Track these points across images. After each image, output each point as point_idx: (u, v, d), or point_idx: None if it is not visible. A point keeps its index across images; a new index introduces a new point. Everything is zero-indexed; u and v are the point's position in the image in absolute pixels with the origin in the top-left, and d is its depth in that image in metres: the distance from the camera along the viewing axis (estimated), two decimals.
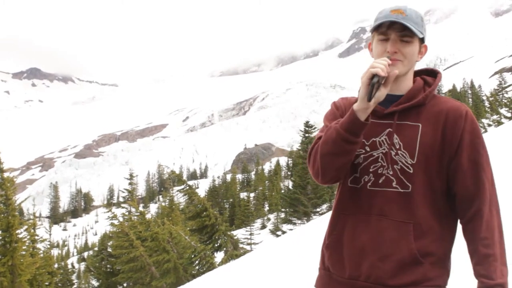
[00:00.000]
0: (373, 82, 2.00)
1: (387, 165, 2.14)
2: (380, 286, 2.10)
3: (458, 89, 79.49)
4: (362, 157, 2.21)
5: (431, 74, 2.35)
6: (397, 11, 2.13)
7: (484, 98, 62.87)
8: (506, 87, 71.76)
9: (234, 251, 18.12)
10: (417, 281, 2.08)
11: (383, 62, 2.02)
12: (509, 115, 34.16)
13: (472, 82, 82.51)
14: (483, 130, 35.32)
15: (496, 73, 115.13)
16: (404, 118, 2.17)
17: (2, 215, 13.83)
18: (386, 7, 2.22)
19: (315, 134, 29.33)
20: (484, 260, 2.04)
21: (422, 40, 2.20)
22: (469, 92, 77.58)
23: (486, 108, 52.91)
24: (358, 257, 2.15)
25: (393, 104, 2.20)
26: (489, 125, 37.76)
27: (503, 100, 43.61)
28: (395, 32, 2.14)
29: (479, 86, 79.79)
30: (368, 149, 2.20)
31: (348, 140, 2.07)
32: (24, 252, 14.30)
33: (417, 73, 2.35)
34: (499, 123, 33.57)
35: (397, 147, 2.14)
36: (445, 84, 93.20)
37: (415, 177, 2.11)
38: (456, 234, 2.22)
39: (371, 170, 2.18)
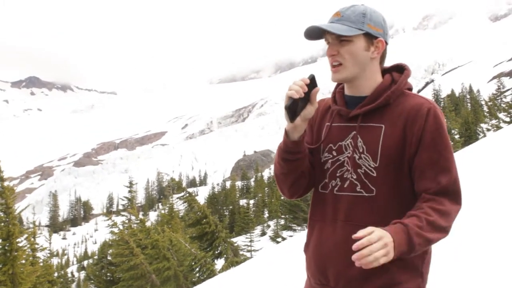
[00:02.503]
0: (286, 105, 2.01)
1: (351, 170, 2.13)
2: None
3: (457, 94, 79.46)
4: (330, 162, 2.21)
5: (401, 70, 2.28)
6: (335, 14, 2.14)
7: (483, 103, 62.96)
8: (505, 91, 71.88)
9: (235, 258, 18.12)
10: (385, 286, 2.05)
11: (299, 83, 2.02)
12: (507, 119, 34.25)
13: (470, 87, 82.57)
14: (481, 135, 35.38)
15: (494, 77, 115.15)
16: (369, 120, 2.13)
17: (3, 224, 13.82)
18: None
19: None
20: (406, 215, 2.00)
21: (372, 36, 2.13)
22: (468, 97, 77.62)
23: (485, 113, 53.01)
24: (324, 263, 2.15)
25: (358, 106, 2.17)
26: (488, 130, 37.86)
27: (502, 105, 43.76)
28: (330, 35, 2.12)
29: (478, 91, 79.82)
30: (335, 154, 2.20)
31: (287, 159, 2.12)
32: (24, 261, 14.29)
33: (388, 70, 2.29)
34: (497, 127, 33.64)
35: (361, 150, 2.11)
36: (444, 89, 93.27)
37: (379, 180, 2.07)
38: None
39: (337, 174, 2.17)
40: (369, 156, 2.09)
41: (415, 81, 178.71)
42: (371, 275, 2.03)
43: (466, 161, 13.05)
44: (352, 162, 2.13)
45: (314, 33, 2.14)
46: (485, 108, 57.26)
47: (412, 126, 2.06)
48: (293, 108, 2.02)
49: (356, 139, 2.13)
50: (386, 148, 2.07)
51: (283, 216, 38.43)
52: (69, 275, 47.11)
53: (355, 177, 2.12)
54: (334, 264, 2.11)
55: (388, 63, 2.27)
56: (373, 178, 2.08)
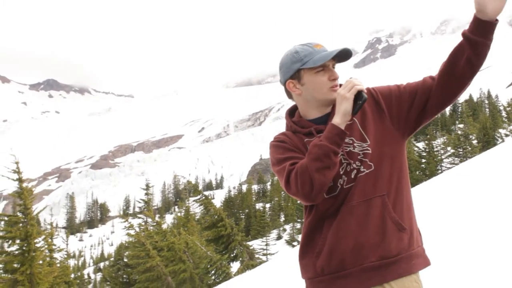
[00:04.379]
0: (365, 98, 2.26)
1: (351, 161, 2.35)
2: (384, 261, 2.27)
3: (475, 99, 78.97)
4: None
5: None
6: (320, 45, 2.47)
7: (501, 108, 62.43)
8: None
9: (250, 261, 18.12)
10: (408, 245, 2.33)
11: (360, 81, 2.32)
12: None
13: (489, 92, 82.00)
14: (500, 141, 35.09)
15: None
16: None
17: (21, 225, 13.96)
18: (305, 46, 2.48)
19: None
20: None
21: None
22: (486, 102, 77.09)
23: (503, 118, 52.58)
24: (355, 244, 2.29)
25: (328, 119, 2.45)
26: (506, 135, 37.54)
27: None
28: (334, 61, 2.45)
29: (496, 96, 79.19)
30: None
31: (336, 152, 2.26)
32: (42, 262, 14.43)
33: None
34: None
35: (351, 142, 2.37)
36: (462, 94, 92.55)
37: (375, 153, 2.36)
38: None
39: (341, 172, 2.35)
40: (360, 141, 2.37)
41: None
42: (394, 238, 2.29)
43: (483, 166, 12.97)
44: (349, 155, 2.36)
45: (343, 55, 2.44)
46: (504, 114, 56.85)
47: (373, 102, 2.45)
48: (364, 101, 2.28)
49: None
50: (367, 127, 2.39)
51: (299, 220, 38.47)
52: (86, 276, 47.41)
53: (357, 163, 2.35)
54: (364, 241, 2.28)
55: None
56: (370, 154, 2.35)
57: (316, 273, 2.38)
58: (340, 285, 2.32)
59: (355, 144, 2.36)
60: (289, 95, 2.57)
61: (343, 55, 2.41)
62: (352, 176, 2.34)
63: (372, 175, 2.32)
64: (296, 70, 2.43)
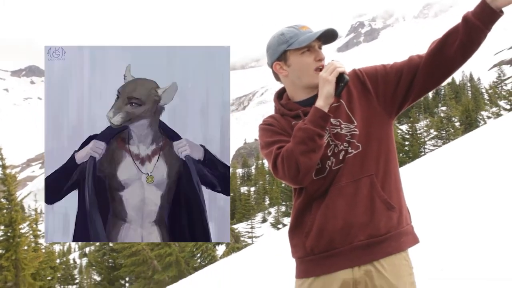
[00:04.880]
0: (346, 80, 2.26)
1: (338, 142, 2.35)
2: (373, 239, 2.29)
3: (457, 82, 79.35)
4: None
5: None
6: (307, 27, 2.46)
7: (483, 90, 62.93)
8: (505, 79, 71.67)
9: (236, 244, 18.23)
10: (397, 224, 2.34)
11: (341, 63, 2.32)
12: (508, 107, 34.20)
13: (471, 75, 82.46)
14: (482, 123, 35.40)
15: (495, 65, 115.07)
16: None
17: (5, 211, 13.94)
18: (291, 28, 2.47)
19: None
20: None
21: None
22: (468, 85, 77.55)
23: (486, 101, 52.96)
24: (344, 223, 2.30)
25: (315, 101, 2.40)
26: (489, 118, 37.82)
27: (502, 93, 43.67)
28: (319, 42, 2.43)
29: (478, 79, 79.78)
30: None
31: (321, 135, 2.26)
32: (26, 247, 14.41)
33: None
34: (498, 115, 33.64)
35: (338, 124, 2.36)
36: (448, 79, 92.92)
37: (363, 135, 2.34)
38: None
39: (329, 154, 2.35)
40: (347, 122, 2.36)
41: None
42: (383, 217, 2.31)
43: (466, 148, 13.12)
44: (337, 136, 2.35)
45: (329, 36, 2.43)
46: (486, 96, 57.24)
47: (359, 83, 2.42)
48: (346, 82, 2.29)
49: (329, 121, 2.34)
50: (354, 109, 2.38)
51: (284, 203, 38.65)
52: (71, 261, 47.27)
53: (346, 144, 2.33)
54: (353, 221, 2.30)
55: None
56: (357, 135, 2.34)
57: (306, 253, 2.40)
58: (330, 264, 2.34)
59: (342, 126, 2.37)
60: (277, 77, 2.57)
61: (329, 35, 2.41)
62: (340, 158, 2.34)
63: (360, 156, 2.33)
64: (282, 51, 2.44)
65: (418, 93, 2.36)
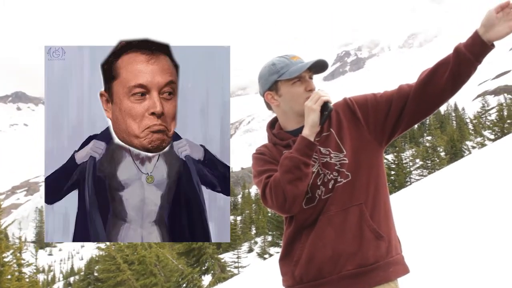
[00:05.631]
0: (330, 108, 2.31)
1: (328, 171, 2.37)
2: (362, 269, 2.29)
3: (442, 112, 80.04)
4: None
5: None
6: (298, 57, 2.50)
7: (468, 120, 63.44)
8: (489, 109, 72.37)
9: (222, 274, 18.12)
10: (385, 253, 2.34)
11: (326, 93, 2.36)
12: (492, 137, 34.49)
13: (455, 105, 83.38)
14: (467, 153, 35.65)
15: (479, 95, 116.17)
16: (318, 134, 2.44)
17: None
18: (282, 58, 2.53)
19: None
20: None
21: None
22: (453, 114, 78.34)
23: (470, 131, 53.37)
24: (333, 253, 2.31)
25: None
26: (473, 147, 38.08)
27: (487, 123, 44.04)
28: (310, 72, 2.48)
29: (463, 109, 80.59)
30: None
31: (307, 163, 2.30)
32: (10, 276, 14.21)
33: None
34: (482, 145, 33.88)
35: (327, 153, 2.40)
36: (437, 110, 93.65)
37: (352, 163, 2.37)
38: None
39: (319, 183, 2.38)
40: (336, 151, 2.39)
41: None
42: (372, 246, 2.31)
43: (451, 178, 13.18)
44: (326, 166, 2.38)
45: (319, 66, 2.47)
46: (470, 126, 57.72)
47: (349, 112, 2.46)
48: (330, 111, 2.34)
49: (318, 150, 2.41)
50: (343, 138, 2.41)
51: (270, 233, 38.44)
52: None
53: (335, 173, 2.37)
54: (341, 250, 2.31)
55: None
56: (346, 164, 2.37)
57: (295, 281, 2.40)
58: None
59: (331, 155, 2.39)
60: (269, 107, 2.60)
61: (319, 66, 2.46)
62: (330, 187, 2.36)
63: (349, 185, 2.35)
64: (274, 81, 2.47)
65: (408, 122, 2.39)
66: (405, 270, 2.41)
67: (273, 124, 2.67)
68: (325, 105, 2.31)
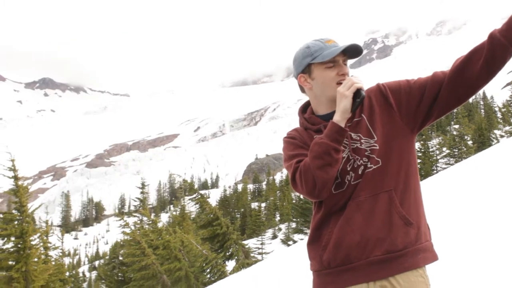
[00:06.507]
0: (363, 96, 2.30)
1: (358, 157, 2.39)
2: (390, 255, 2.29)
3: (470, 101, 79.07)
4: None
5: None
6: (333, 41, 2.51)
7: (497, 109, 62.64)
8: None
9: (246, 260, 18.15)
10: (415, 240, 2.34)
11: (360, 79, 2.35)
12: None
13: (484, 93, 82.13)
14: (495, 141, 35.21)
15: (508, 84, 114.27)
16: (350, 120, 2.45)
17: (16, 222, 13.98)
18: (317, 42, 2.53)
19: None
20: None
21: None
22: (481, 103, 77.20)
23: (499, 119, 52.71)
24: (361, 238, 2.32)
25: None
26: (502, 136, 37.65)
27: None
28: (343, 57, 2.48)
29: (491, 97, 79.37)
30: None
31: (337, 149, 2.31)
32: (37, 259, 14.44)
33: None
34: (511, 134, 33.46)
35: (358, 139, 2.41)
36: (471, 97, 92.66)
37: (382, 150, 2.38)
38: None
39: (349, 168, 2.39)
40: (367, 137, 2.40)
41: None
42: (401, 232, 2.32)
43: (479, 167, 13.03)
44: (356, 151, 2.40)
45: (354, 51, 2.47)
46: (499, 115, 57.00)
47: (382, 98, 2.46)
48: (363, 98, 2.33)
49: (349, 136, 2.42)
50: (375, 124, 2.42)
51: (294, 219, 38.46)
52: (81, 274, 47.33)
53: (365, 159, 2.38)
54: (371, 235, 2.31)
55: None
56: (377, 150, 2.38)
57: (323, 266, 2.41)
58: (346, 278, 2.35)
59: (362, 141, 2.40)
60: (302, 89, 2.61)
61: (353, 50, 2.45)
62: (360, 172, 2.37)
63: (379, 171, 2.36)
64: (307, 64, 2.48)
65: (441, 109, 2.36)
66: (433, 257, 2.40)
67: (305, 109, 2.69)
68: (357, 92, 2.32)
